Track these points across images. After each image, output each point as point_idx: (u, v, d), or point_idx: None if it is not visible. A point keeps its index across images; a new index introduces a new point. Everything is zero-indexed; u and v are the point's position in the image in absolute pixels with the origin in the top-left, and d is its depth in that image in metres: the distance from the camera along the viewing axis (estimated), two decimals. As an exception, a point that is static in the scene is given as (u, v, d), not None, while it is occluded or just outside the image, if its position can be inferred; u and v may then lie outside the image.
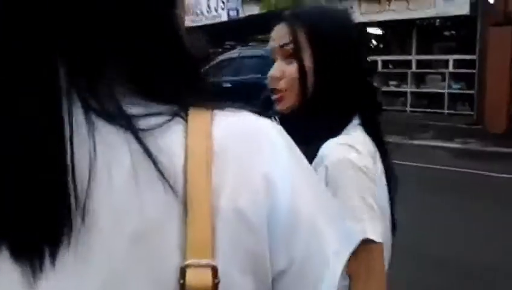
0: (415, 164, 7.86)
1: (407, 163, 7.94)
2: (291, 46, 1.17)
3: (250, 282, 0.50)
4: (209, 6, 17.08)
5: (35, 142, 0.46)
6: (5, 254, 0.47)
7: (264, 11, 14.93)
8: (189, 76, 0.56)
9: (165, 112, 0.51)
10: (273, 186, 0.51)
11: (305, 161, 0.58)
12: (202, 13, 17.38)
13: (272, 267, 0.52)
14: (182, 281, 0.47)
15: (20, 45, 0.47)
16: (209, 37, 17.64)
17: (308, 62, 1.16)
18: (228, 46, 15.29)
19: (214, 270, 0.47)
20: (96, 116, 0.49)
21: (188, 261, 0.47)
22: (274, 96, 1.20)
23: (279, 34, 1.21)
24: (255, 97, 10.06)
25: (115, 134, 0.49)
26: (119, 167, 0.48)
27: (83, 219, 0.47)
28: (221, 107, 0.55)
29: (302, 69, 1.16)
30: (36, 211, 0.46)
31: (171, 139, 0.50)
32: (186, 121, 0.51)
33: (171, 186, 0.48)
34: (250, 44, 13.31)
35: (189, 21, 17.32)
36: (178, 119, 0.51)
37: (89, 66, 0.49)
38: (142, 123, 0.49)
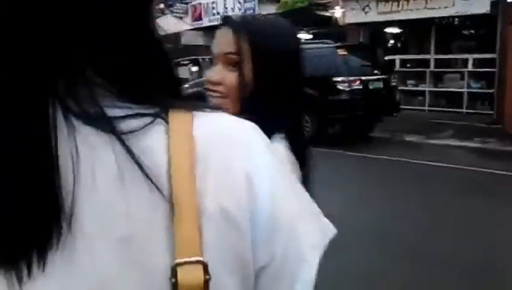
0: (432, 163, 7.80)
1: (424, 162, 7.88)
2: (235, 56, 1.19)
3: (235, 277, 0.51)
4: (225, 7, 17.11)
5: (32, 144, 0.46)
6: None
7: (280, 11, 14.90)
8: (166, 77, 0.56)
9: (145, 114, 0.50)
10: (254, 187, 0.52)
11: (281, 160, 0.59)
12: (219, 13, 17.40)
13: (254, 264, 0.53)
14: (173, 280, 0.47)
15: (20, 45, 0.46)
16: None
17: (248, 72, 1.19)
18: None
19: (204, 267, 0.48)
20: (76, 118, 0.48)
21: (178, 260, 0.47)
22: (214, 101, 1.22)
23: (224, 40, 1.23)
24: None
25: (96, 135, 0.48)
26: (103, 168, 0.48)
27: (69, 222, 0.46)
28: (199, 108, 0.55)
29: (243, 79, 1.19)
30: (24, 215, 0.45)
31: (153, 140, 0.50)
32: (167, 122, 0.51)
33: (156, 187, 0.48)
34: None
35: (206, 21, 17.36)
36: (159, 120, 0.51)
37: (67, 66, 0.48)
38: (124, 125, 0.49)
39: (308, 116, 9.94)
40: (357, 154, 8.79)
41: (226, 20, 1.26)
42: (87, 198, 0.47)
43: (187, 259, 0.47)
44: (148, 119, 0.50)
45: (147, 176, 0.48)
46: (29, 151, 0.46)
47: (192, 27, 18.19)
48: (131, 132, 0.49)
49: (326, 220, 0.60)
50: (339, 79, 9.52)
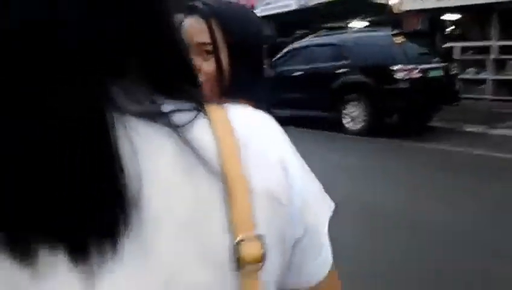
0: (496, 154, 7.53)
1: (487, 153, 7.60)
2: (210, 46, 1.21)
3: (278, 251, 0.56)
4: (279, -5, 17.05)
5: (32, 144, 0.44)
6: (60, 255, 0.45)
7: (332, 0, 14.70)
8: (191, 72, 0.60)
9: (187, 108, 0.54)
10: (288, 169, 0.58)
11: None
12: (271, 3, 17.35)
13: (291, 238, 0.58)
14: (237, 256, 0.51)
15: (20, 44, 0.45)
16: (278, 26, 17.65)
17: (224, 59, 1.22)
18: (298, 35, 15.19)
19: (262, 240, 0.52)
20: (122, 113, 0.49)
21: (240, 237, 0.51)
22: None
23: (196, 29, 1.23)
24: (326, 85, 10.04)
25: (147, 127, 0.51)
26: (161, 155, 0.51)
27: (136, 208, 0.47)
28: (225, 101, 0.60)
29: (220, 67, 1.22)
30: (92, 206, 0.45)
31: (200, 131, 0.54)
32: (207, 115, 0.55)
33: (213, 171, 0.52)
34: (320, 32, 13.14)
35: (258, 10, 17.38)
36: (201, 114, 0.55)
37: (112, 65, 0.50)
38: (175, 118, 0.52)
39: (364, 105, 9.81)
40: (417, 144, 8.59)
41: (193, 10, 1.26)
42: (150, 183, 0.49)
43: (247, 234, 0.52)
44: (193, 113, 0.54)
45: (204, 161, 0.51)
46: (70, 146, 0.45)
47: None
48: (183, 125, 0.52)
49: (328, 197, 0.67)
50: (396, 67, 9.30)
